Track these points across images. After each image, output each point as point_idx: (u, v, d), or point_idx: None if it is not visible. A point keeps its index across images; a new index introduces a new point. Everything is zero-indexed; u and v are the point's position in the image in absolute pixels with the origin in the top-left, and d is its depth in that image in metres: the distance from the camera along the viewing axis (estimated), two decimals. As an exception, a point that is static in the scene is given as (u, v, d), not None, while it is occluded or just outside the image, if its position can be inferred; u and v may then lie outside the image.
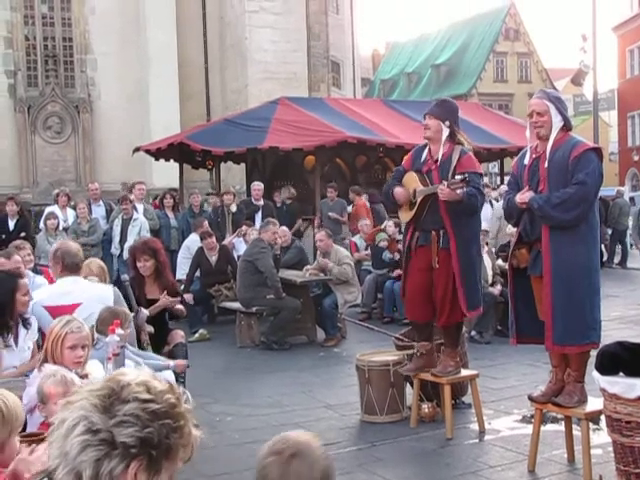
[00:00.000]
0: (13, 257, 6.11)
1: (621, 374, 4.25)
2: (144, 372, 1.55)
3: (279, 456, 1.72)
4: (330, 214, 13.84)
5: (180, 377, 6.08)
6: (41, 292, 5.59)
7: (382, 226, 12.38)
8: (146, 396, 1.44)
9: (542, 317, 5.05)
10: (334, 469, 1.76)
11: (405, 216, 6.13)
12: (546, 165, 4.93)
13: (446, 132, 5.90)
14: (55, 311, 5.01)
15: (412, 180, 5.99)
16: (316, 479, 1.71)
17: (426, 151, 6.01)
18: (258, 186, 13.40)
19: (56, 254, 5.72)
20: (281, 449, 1.73)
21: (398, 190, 6.03)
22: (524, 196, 4.92)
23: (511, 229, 10.91)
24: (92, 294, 5.52)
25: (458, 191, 5.56)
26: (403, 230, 6.92)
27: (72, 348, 4.06)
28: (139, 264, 6.77)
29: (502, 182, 19.05)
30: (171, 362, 5.53)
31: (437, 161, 5.90)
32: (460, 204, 5.66)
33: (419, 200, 5.87)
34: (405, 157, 6.38)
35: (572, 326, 4.85)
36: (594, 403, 4.92)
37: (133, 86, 24.19)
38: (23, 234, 11.98)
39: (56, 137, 24.35)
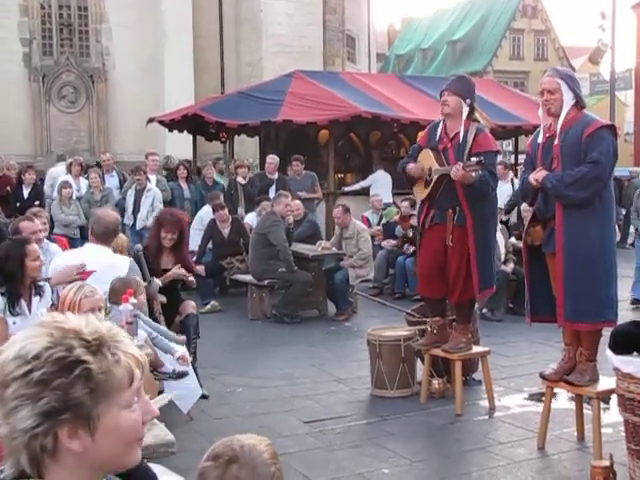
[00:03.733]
0: (35, 220, 6.15)
1: (635, 353, 4.22)
2: (19, 336, 1.41)
3: (216, 461, 1.65)
4: (300, 194, 12.54)
5: (191, 348, 6.10)
6: (58, 259, 5.63)
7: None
8: (24, 369, 1.32)
9: (556, 294, 5.03)
10: (281, 474, 1.69)
11: (420, 194, 6.10)
12: (559, 143, 4.89)
13: (466, 110, 5.85)
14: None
15: (428, 158, 5.94)
16: None
17: (441, 127, 5.95)
18: (272, 159, 13.27)
19: (91, 220, 5.77)
20: (220, 453, 1.66)
21: (411, 166, 6.00)
22: (538, 175, 4.89)
23: (525, 207, 10.87)
24: (107, 263, 5.53)
25: (473, 174, 5.53)
26: (417, 207, 6.89)
27: (91, 311, 4.08)
28: (163, 234, 6.74)
29: (516, 160, 18.93)
30: (178, 352, 5.51)
31: (453, 139, 5.85)
32: (471, 187, 5.63)
33: (435, 179, 5.83)
34: (420, 134, 6.34)
35: (584, 303, 4.83)
36: (605, 382, 4.91)
37: (148, 57, 24.09)
38: (37, 202, 12.00)
39: (70, 107, 24.32)
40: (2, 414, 1.34)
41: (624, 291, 9.68)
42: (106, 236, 5.78)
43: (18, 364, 1.33)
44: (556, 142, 4.89)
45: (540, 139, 5.06)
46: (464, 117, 5.83)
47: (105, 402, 1.36)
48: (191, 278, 6.89)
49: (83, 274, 5.18)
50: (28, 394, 1.32)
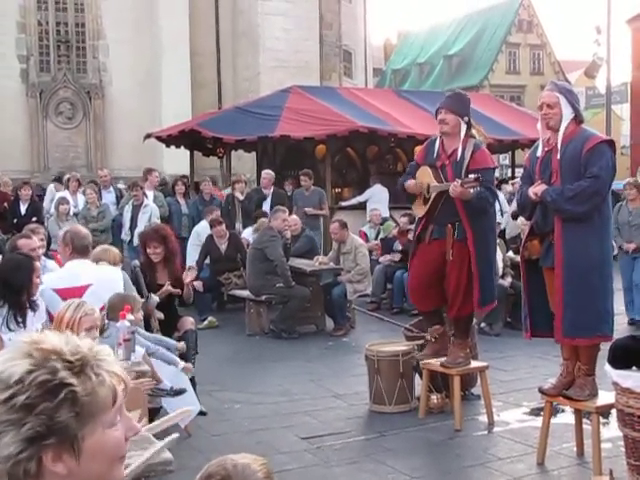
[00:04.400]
0: (33, 237, 6.15)
1: (634, 368, 4.21)
2: (10, 352, 1.37)
3: None
4: (307, 210, 12.71)
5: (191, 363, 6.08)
6: (51, 275, 5.60)
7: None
8: (6, 393, 1.28)
9: (553, 309, 5.03)
10: None
11: (419, 211, 6.11)
12: (558, 157, 4.90)
13: (464, 128, 5.88)
14: (65, 293, 5.02)
15: (426, 175, 5.95)
16: None
17: (438, 144, 5.97)
18: (266, 174, 13.28)
19: (65, 237, 5.75)
20: (213, 473, 1.63)
21: (410, 183, 6.01)
22: (537, 189, 4.90)
23: (522, 221, 10.86)
24: (102, 276, 5.53)
25: (471, 190, 5.54)
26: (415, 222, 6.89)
27: (89, 330, 4.08)
28: (149, 250, 6.79)
29: (513, 174, 18.97)
30: (181, 363, 5.52)
31: (451, 156, 5.87)
32: (469, 203, 5.65)
33: (433, 196, 5.84)
34: (417, 150, 6.36)
35: (582, 318, 4.83)
36: (605, 397, 4.90)
37: (145, 73, 24.17)
38: (34, 218, 11.99)
39: (67, 122, 24.40)
40: None
41: (622, 304, 9.70)
42: (87, 250, 5.79)
43: (1, 387, 1.30)
44: (558, 157, 4.90)
45: (539, 153, 5.07)
46: (462, 135, 5.86)
47: (90, 424, 1.34)
48: (186, 290, 6.88)
49: (80, 289, 5.15)
50: (11, 419, 1.28)
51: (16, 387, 1.29)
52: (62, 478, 1.35)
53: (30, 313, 4.79)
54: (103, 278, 5.47)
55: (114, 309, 5.00)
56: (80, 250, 5.71)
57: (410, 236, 9.89)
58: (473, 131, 5.98)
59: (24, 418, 1.28)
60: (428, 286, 6.00)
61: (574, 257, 4.81)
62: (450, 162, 5.85)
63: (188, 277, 6.87)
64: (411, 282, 6.22)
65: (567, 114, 4.93)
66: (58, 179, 16.06)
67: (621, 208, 10.31)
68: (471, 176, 5.52)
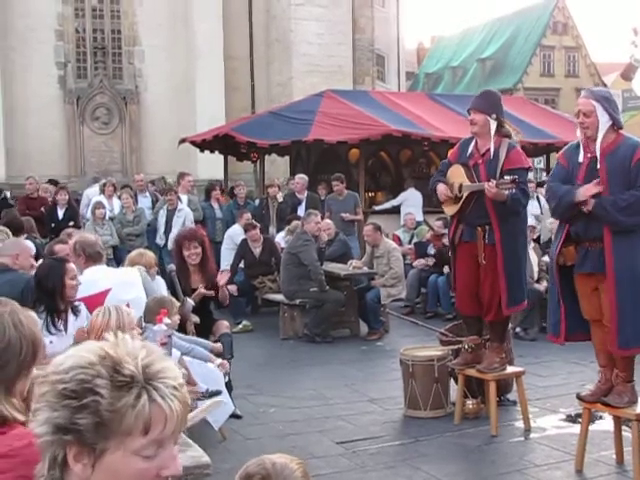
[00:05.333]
0: (69, 242, 6.21)
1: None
2: (82, 345, 1.43)
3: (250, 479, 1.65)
4: (344, 215, 12.49)
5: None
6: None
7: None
8: (55, 377, 1.35)
9: (587, 315, 4.97)
10: None
11: (450, 210, 6.07)
12: (604, 167, 4.82)
13: (494, 125, 5.83)
14: (89, 301, 5.03)
15: (458, 174, 5.91)
16: None
17: (473, 144, 5.94)
18: (300, 179, 13.25)
19: (76, 248, 5.77)
20: (252, 472, 1.65)
21: (441, 188, 5.96)
22: (588, 204, 4.78)
23: (552, 224, 10.70)
24: (120, 279, 5.55)
25: (506, 192, 5.49)
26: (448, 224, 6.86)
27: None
28: (188, 252, 6.79)
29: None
30: (217, 360, 5.54)
31: (484, 155, 5.83)
32: (503, 204, 5.60)
33: (465, 195, 5.80)
34: (451, 150, 6.31)
35: (638, 328, 4.78)
36: (645, 404, 4.84)
37: (179, 78, 24.35)
38: (72, 223, 12.12)
39: (103, 128, 24.64)
40: (32, 410, 1.39)
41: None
42: (100, 255, 5.82)
43: (55, 370, 1.36)
44: (599, 166, 4.83)
45: (581, 158, 4.97)
46: (493, 132, 5.81)
47: (112, 440, 1.34)
48: (221, 292, 6.89)
49: (100, 295, 5.17)
50: (50, 402, 1.34)
51: (63, 375, 1.34)
52: (79, 479, 1.37)
53: (72, 317, 4.84)
54: (121, 281, 5.49)
55: (151, 312, 5.03)
56: (93, 257, 5.75)
57: (445, 240, 9.86)
58: (507, 127, 5.94)
59: (57, 405, 1.33)
60: (472, 290, 5.98)
61: (626, 267, 4.75)
62: (484, 161, 5.82)
63: (222, 279, 6.89)
64: (458, 286, 6.15)
65: (604, 122, 4.85)
66: (95, 180, 16.27)
67: None
68: (507, 177, 5.49)
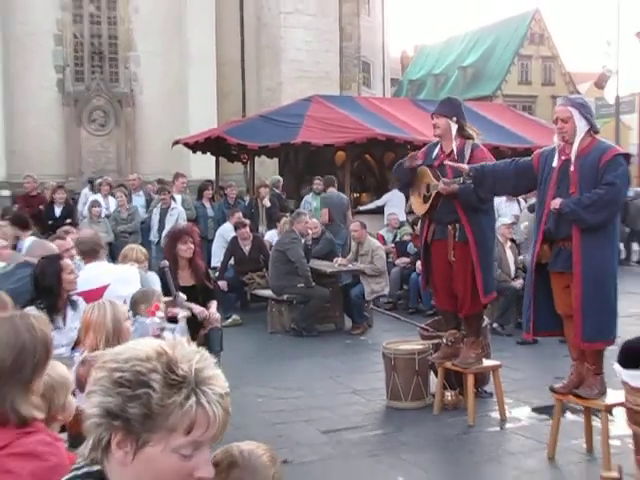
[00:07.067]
0: (67, 238, 6.19)
1: (643, 368, 4.17)
2: (147, 340, 1.46)
3: (218, 467, 1.62)
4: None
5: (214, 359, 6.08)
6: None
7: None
8: (113, 364, 1.37)
9: (559, 310, 5.01)
10: (280, 476, 1.67)
11: (420, 209, 6.11)
12: (577, 169, 4.86)
13: (454, 127, 5.95)
14: (87, 295, 5.01)
15: (426, 175, 5.99)
16: None
17: (438, 148, 6.03)
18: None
19: (76, 245, 5.79)
20: (220, 459, 1.65)
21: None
22: (555, 202, 4.84)
23: (526, 227, 10.72)
24: (118, 275, 5.53)
25: (455, 185, 5.60)
26: (420, 223, 6.89)
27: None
28: (183, 247, 6.76)
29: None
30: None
31: (449, 155, 5.90)
32: (460, 199, 5.69)
33: (433, 194, 5.87)
34: (421, 150, 6.38)
35: (601, 323, 4.82)
36: (614, 395, 4.86)
37: (173, 82, 24.28)
38: (68, 220, 12.07)
39: (100, 130, 24.56)
40: (86, 391, 1.41)
41: (629, 307, 9.60)
42: (95, 252, 5.83)
43: (114, 358, 1.38)
44: (572, 168, 4.87)
45: (555, 162, 5.01)
46: (454, 134, 5.92)
47: (156, 434, 1.35)
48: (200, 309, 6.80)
49: (99, 290, 5.15)
50: (104, 387, 1.36)
51: (121, 364, 1.36)
52: (118, 466, 1.38)
53: (70, 312, 4.82)
54: (119, 277, 5.46)
55: (137, 303, 4.99)
56: (88, 253, 5.74)
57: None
58: (469, 131, 6.00)
59: (111, 391, 1.35)
60: (447, 286, 6.02)
61: (592, 265, 4.77)
62: (450, 161, 5.88)
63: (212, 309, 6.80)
64: (434, 283, 6.16)
65: (581, 127, 4.89)
66: (91, 183, 16.19)
67: None
68: (459, 178, 5.59)
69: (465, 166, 5.50)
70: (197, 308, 6.57)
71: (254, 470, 1.63)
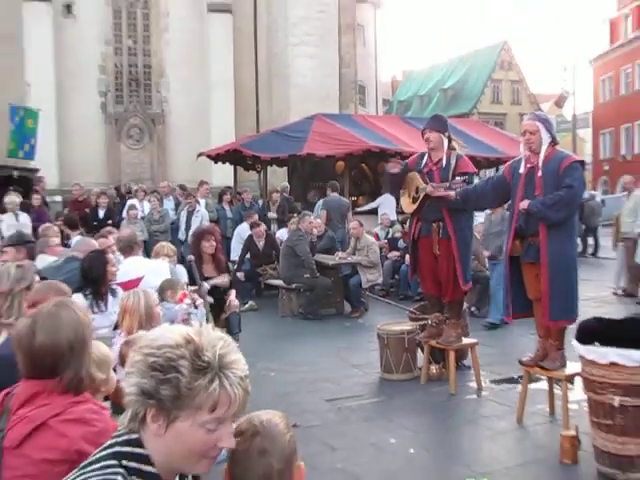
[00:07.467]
0: (109, 237, 6.20)
1: (596, 344, 4.17)
2: (173, 325, 1.46)
3: (242, 436, 1.60)
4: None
5: (234, 340, 6.08)
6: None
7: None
8: (148, 350, 1.36)
9: (530, 295, 5.00)
10: (294, 441, 1.65)
11: (409, 208, 6.10)
12: (540, 174, 4.88)
13: (446, 141, 5.94)
14: (125, 285, 5.01)
15: (415, 179, 5.98)
16: (276, 452, 1.59)
17: (426, 157, 6.02)
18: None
19: (117, 241, 5.82)
20: (244, 429, 1.62)
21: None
22: (523, 204, 4.84)
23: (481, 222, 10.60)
24: (151, 268, 5.55)
25: (441, 190, 5.61)
26: (408, 221, 6.87)
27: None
28: (207, 244, 6.75)
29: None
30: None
31: (437, 163, 5.90)
32: (447, 202, 5.69)
33: (422, 196, 5.86)
34: (410, 158, 6.37)
35: (565, 305, 4.82)
36: (572, 367, 4.86)
37: (198, 104, 24.24)
38: (110, 221, 12.08)
39: (136, 144, 24.54)
40: (125, 372, 1.41)
41: (586, 292, 9.58)
42: (131, 248, 5.84)
43: (149, 344, 1.37)
44: (539, 174, 4.88)
45: (522, 170, 5.01)
46: (445, 146, 5.92)
47: (185, 411, 1.35)
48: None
49: (136, 280, 5.15)
50: (141, 369, 1.36)
51: (155, 350, 1.36)
52: (153, 436, 1.39)
53: (110, 298, 4.83)
54: (152, 270, 5.48)
55: (164, 290, 4.99)
56: (126, 249, 5.75)
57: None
58: (454, 144, 6.00)
59: (146, 373, 1.35)
60: (432, 275, 6.02)
61: (556, 257, 4.78)
62: (437, 168, 5.92)
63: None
64: (422, 273, 6.15)
65: (545, 139, 4.91)
66: (117, 189, 16.33)
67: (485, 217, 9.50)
68: (458, 178, 5.62)
69: (452, 193, 5.51)
70: (218, 279, 6.64)
71: (273, 437, 1.62)
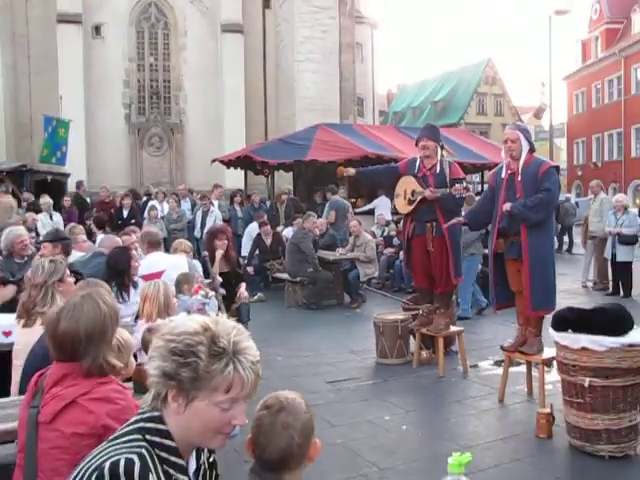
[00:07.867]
0: (132, 235, 6.23)
1: (569, 331, 4.19)
2: (192, 315, 1.46)
3: (269, 410, 1.64)
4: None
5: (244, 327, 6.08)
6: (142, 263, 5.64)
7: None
8: (169, 337, 1.37)
9: (513, 288, 5.02)
10: (313, 420, 1.68)
11: (404, 209, 6.09)
12: (520, 179, 4.90)
13: (439, 150, 5.92)
14: (148, 278, 5.02)
15: (410, 182, 5.98)
16: (298, 427, 1.62)
17: (418, 162, 6.00)
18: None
19: (143, 237, 5.87)
20: (271, 404, 1.65)
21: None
22: (506, 206, 4.85)
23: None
24: (172, 262, 5.58)
25: (438, 194, 5.66)
26: (402, 221, 6.88)
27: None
28: (219, 242, 6.74)
29: (482, 189, 18.80)
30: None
31: (431, 169, 5.89)
32: (441, 202, 5.72)
33: (418, 199, 5.85)
34: (401, 162, 6.39)
35: (544, 296, 4.84)
36: (548, 352, 4.88)
37: (212, 115, 24.24)
38: (133, 221, 12.10)
39: (157, 152, 24.57)
40: (148, 356, 1.41)
41: (561, 285, 9.54)
42: (159, 244, 5.93)
43: (170, 331, 1.38)
44: (519, 178, 4.89)
45: (503, 175, 5.03)
46: (439, 155, 5.91)
47: (202, 391, 1.36)
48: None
49: (158, 274, 5.17)
50: (162, 354, 1.36)
51: (175, 337, 1.36)
52: (173, 414, 1.40)
53: (132, 290, 4.85)
54: (172, 264, 5.51)
55: (180, 283, 5.00)
56: (154, 244, 5.79)
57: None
58: (444, 152, 6.02)
59: (167, 358, 1.35)
60: (425, 270, 6.02)
61: (536, 253, 4.80)
62: (431, 174, 5.91)
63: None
64: (414, 268, 6.14)
65: (525, 147, 4.94)
66: (133, 192, 16.28)
67: None
68: (458, 185, 5.61)
69: (461, 219, 5.50)
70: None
71: (296, 414, 1.65)
